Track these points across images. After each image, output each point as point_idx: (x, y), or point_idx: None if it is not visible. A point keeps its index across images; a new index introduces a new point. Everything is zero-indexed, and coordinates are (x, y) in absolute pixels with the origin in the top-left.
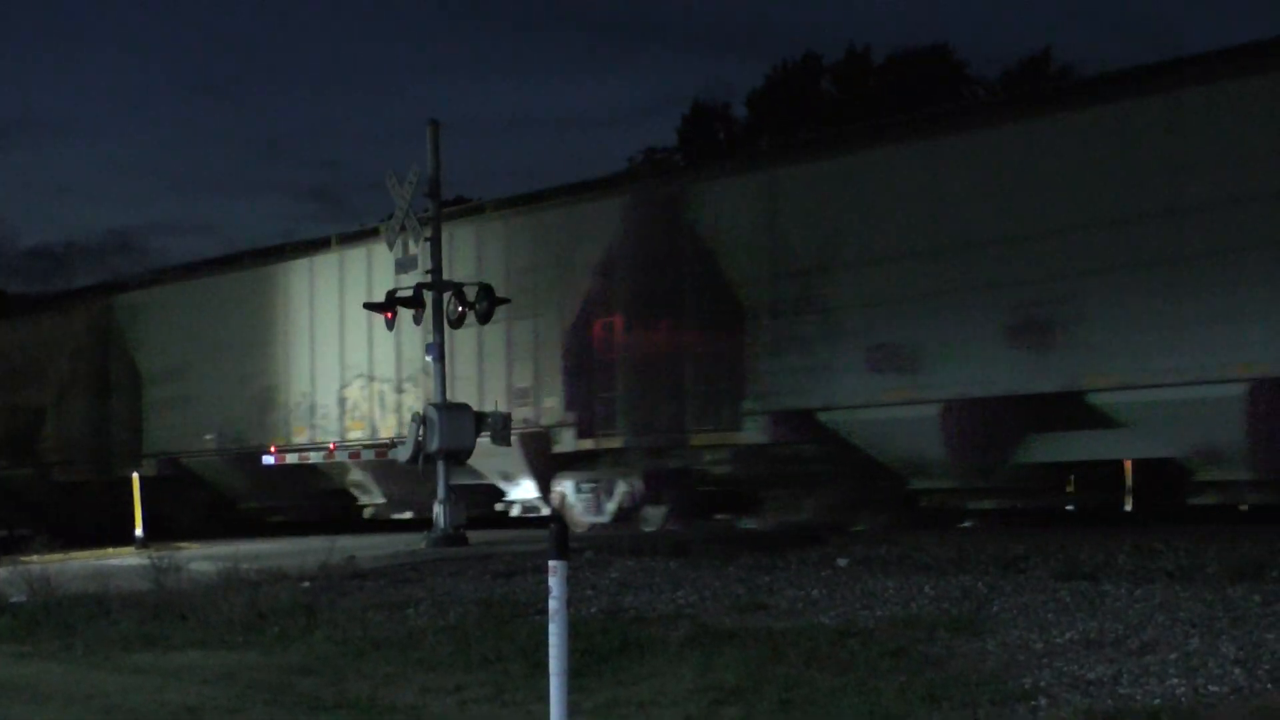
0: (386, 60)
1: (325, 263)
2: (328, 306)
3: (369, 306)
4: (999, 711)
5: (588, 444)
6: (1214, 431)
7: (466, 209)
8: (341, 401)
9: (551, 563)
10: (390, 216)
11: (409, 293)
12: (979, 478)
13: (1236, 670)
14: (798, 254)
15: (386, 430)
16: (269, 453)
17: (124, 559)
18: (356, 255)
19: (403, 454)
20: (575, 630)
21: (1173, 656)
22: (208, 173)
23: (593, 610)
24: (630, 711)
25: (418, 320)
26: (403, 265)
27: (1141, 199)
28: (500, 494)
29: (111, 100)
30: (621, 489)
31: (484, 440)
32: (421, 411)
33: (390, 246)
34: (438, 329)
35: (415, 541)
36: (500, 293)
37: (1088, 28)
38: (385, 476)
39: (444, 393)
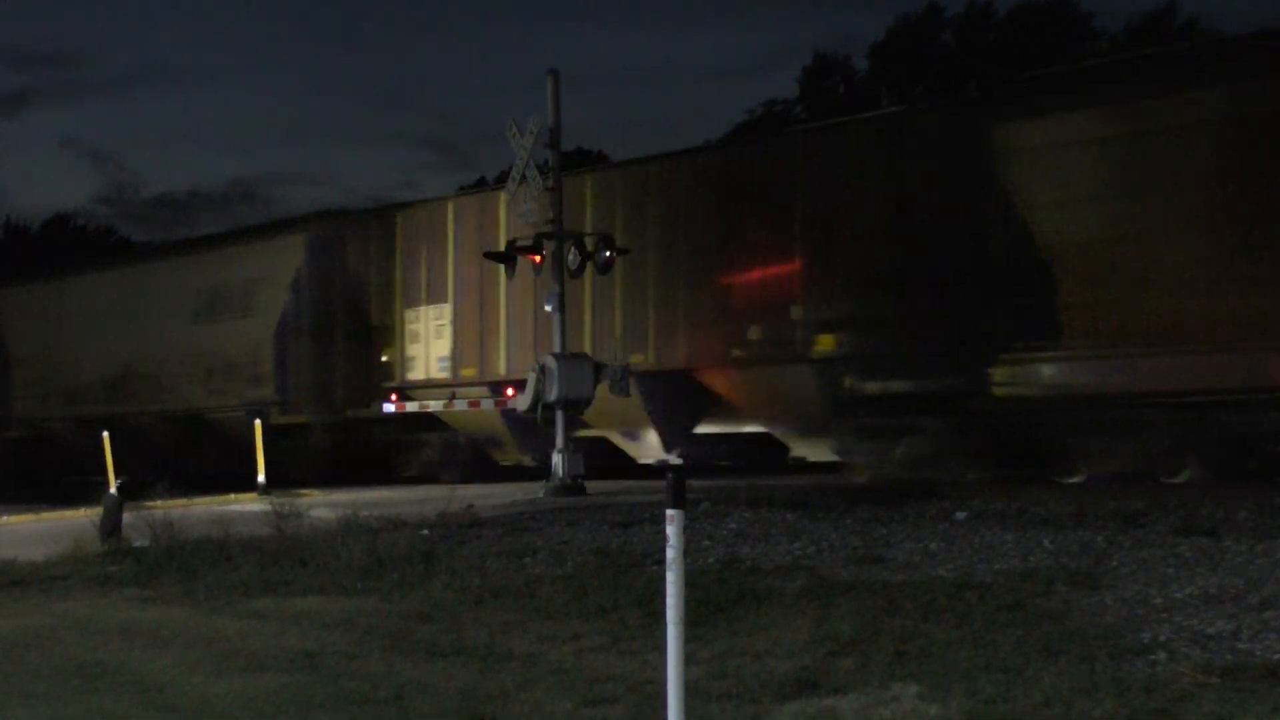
0: (504, 10)
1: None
2: None
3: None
4: (1117, 665)
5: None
6: None
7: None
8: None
9: (669, 512)
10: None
11: (529, 242)
12: None
13: None
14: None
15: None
16: (389, 400)
17: (245, 505)
18: None
19: (522, 404)
20: (692, 580)
21: None
22: (328, 122)
23: (709, 561)
24: (746, 662)
25: (536, 271)
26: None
27: None
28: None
29: (234, 50)
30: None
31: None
32: (540, 361)
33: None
34: (557, 279)
35: (534, 491)
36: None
37: None
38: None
39: (563, 342)
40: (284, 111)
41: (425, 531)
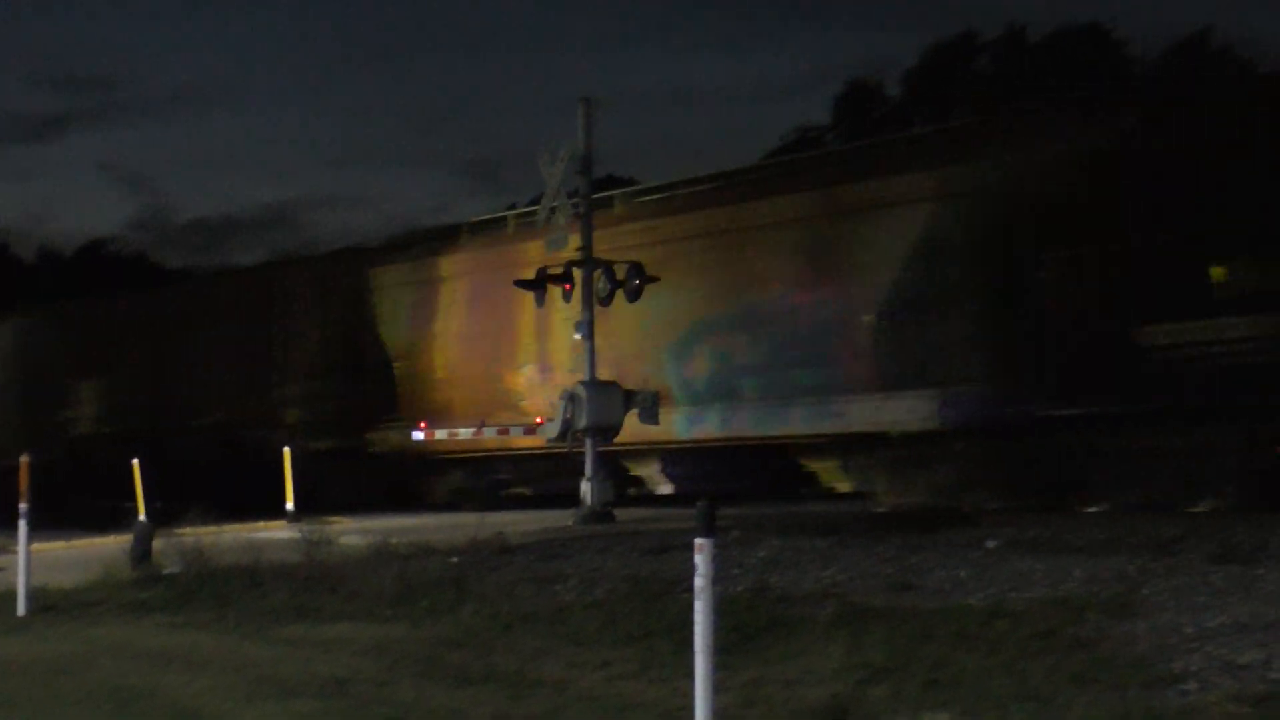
0: (540, 33)
1: None
2: None
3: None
4: (1148, 694)
5: None
6: None
7: None
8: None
9: (698, 540)
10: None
11: (560, 270)
12: None
13: None
14: None
15: None
16: (419, 429)
17: (275, 532)
18: None
19: (551, 431)
20: (722, 608)
21: None
22: (364, 146)
23: (740, 588)
24: (777, 689)
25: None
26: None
27: None
28: None
29: (270, 74)
30: None
31: None
32: (570, 389)
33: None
34: (587, 307)
35: (564, 518)
36: None
37: (1252, 4)
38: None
39: (593, 370)
40: (318, 136)
41: (455, 559)
